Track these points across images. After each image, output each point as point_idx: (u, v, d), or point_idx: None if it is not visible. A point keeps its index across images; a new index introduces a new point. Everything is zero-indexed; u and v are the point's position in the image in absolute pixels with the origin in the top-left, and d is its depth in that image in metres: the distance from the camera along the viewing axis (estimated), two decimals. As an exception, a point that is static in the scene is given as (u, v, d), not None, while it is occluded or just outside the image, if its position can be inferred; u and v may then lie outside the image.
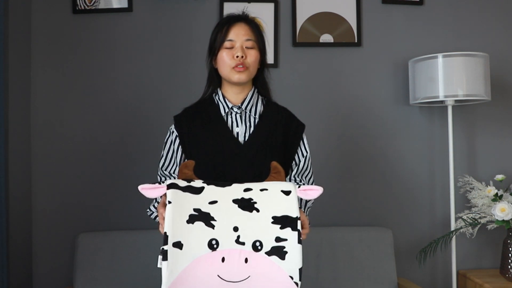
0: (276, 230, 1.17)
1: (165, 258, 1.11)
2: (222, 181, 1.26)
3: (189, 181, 1.22)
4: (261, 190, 1.22)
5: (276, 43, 2.35)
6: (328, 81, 2.39)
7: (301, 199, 1.43)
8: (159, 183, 1.21)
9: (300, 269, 1.16)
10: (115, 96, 2.30)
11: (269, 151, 1.42)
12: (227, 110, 1.46)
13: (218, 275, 1.12)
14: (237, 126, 1.45)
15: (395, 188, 2.40)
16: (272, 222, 1.17)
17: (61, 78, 2.29)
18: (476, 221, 2.10)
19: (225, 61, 1.42)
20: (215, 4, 2.34)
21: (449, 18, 2.45)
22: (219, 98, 1.48)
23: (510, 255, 2.13)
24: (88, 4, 2.29)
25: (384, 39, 2.42)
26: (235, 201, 1.19)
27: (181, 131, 1.46)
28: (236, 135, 1.44)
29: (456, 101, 2.25)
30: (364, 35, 2.42)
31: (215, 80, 1.51)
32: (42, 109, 2.27)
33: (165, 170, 1.50)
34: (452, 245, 2.22)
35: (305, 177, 1.53)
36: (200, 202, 1.17)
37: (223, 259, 1.13)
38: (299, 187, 1.24)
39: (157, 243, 2.09)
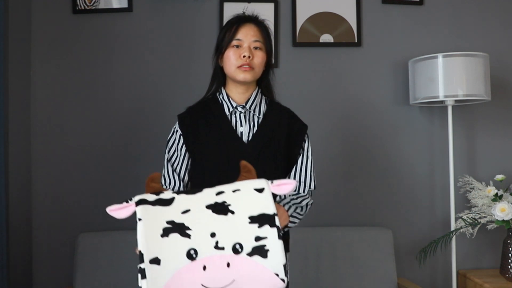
0: (255, 230, 1.14)
1: (143, 276, 1.07)
2: (193, 189, 1.23)
3: (158, 193, 1.18)
4: (234, 191, 1.18)
5: (276, 43, 2.35)
6: (328, 81, 2.39)
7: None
8: (127, 201, 1.16)
9: (285, 265, 1.13)
10: (115, 96, 2.30)
11: (272, 150, 1.43)
12: (231, 109, 1.46)
13: (202, 284, 1.09)
14: (241, 125, 1.46)
15: (395, 188, 2.40)
16: (249, 222, 1.14)
17: (61, 78, 2.29)
18: (476, 221, 2.10)
19: (232, 60, 1.43)
20: (215, 4, 2.34)
21: (449, 18, 2.45)
22: (223, 97, 1.49)
23: (510, 255, 2.13)
24: (88, 4, 2.29)
25: (384, 39, 2.42)
26: (208, 206, 1.15)
27: (185, 130, 1.47)
28: (240, 135, 1.44)
29: (456, 101, 2.25)
30: (364, 35, 2.42)
31: (220, 78, 1.52)
32: (42, 109, 2.27)
33: (172, 167, 1.49)
34: (452, 245, 2.22)
35: (305, 176, 1.50)
36: (172, 213, 1.13)
37: (204, 268, 1.09)
38: (271, 182, 1.20)
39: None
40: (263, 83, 1.53)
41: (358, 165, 2.39)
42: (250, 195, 1.18)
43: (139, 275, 1.08)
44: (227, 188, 1.19)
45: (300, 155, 1.49)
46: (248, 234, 1.13)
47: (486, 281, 2.14)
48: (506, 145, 2.45)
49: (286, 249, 1.49)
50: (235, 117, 1.47)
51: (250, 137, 1.44)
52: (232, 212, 1.15)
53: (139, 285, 1.09)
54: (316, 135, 2.31)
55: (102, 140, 2.28)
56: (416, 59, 2.24)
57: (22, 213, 2.18)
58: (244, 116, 1.47)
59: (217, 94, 1.51)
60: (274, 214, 1.15)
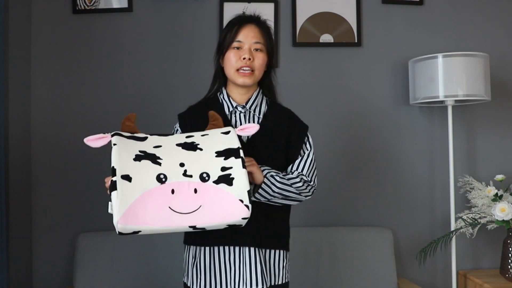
0: (221, 161, 1.21)
1: (114, 188, 1.12)
2: (165, 133, 1.31)
3: (132, 133, 1.27)
4: (202, 135, 1.28)
5: (276, 43, 2.35)
6: (328, 81, 2.39)
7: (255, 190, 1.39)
8: (103, 134, 1.25)
9: (249, 191, 1.19)
10: (115, 96, 2.30)
11: (271, 150, 1.43)
12: (231, 109, 1.47)
13: (170, 207, 1.14)
14: (241, 125, 1.45)
15: (395, 188, 2.40)
16: (216, 156, 1.22)
17: (61, 78, 2.29)
18: (476, 221, 2.10)
19: (232, 61, 1.43)
20: (215, 4, 2.34)
21: (449, 18, 2.45)
22: (223, 97, 1.49)
23: (510, 255, 2.13)
24: (88, 4, 2.29)
25: (384, 39, 2.42)
26: (178, 144, 1.23)
27: (184, 129, 1.47)
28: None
29: (456, 101, 2.25)
30: (364, 35, 2.42)
31: (221, 78, 1.52)
32: (42, 109, 2.27)
33: None
34: (452, 245, 2.22)
35: (302, 168, 1.47)
36: (145, 146, 1.21)
37: (172, 191, 1.15)
38: (236, 127, 1.31)
39: (157, 243, 2.09)
40: (265, 84, 1.53)
41: (358, 165, 2.39)
42: (217, 137, 1.28)
43: (111, 203, 1.13)
44: (196, 133, 1.30)
45: (300, 156, 1.49)
46: (214, 165, 1.21)
47: (486, 281, 2.14)
48: (506, 145, 2.45)
49: (286, 248, 1.49)
50: (235, 116, 1.47)
51: (249, 137, 1.43)
52: (201, 149, 1.23)
53: (109, 211, 1.14)
54: (316, 135, 2.30)
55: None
56: (416, 59, 2.24)
57: (22, 212, 2.18)
58: (244, 116, 1.47)
59: (218, 94, 1.52)
60: (239, 148, 1.24)
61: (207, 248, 1.41)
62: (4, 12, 2.01)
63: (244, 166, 1.21)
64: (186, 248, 1.49)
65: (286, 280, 1.48)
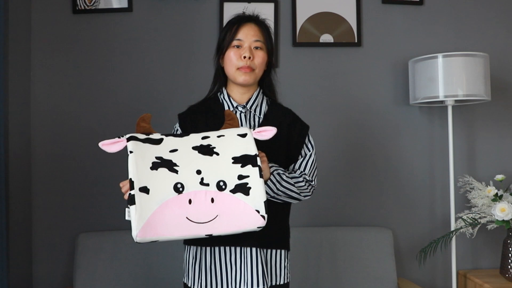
0: (238, 169, 1.21)
1: (132, 202, 1.12)
2: (180, 133, 1.29)
3: (147, 134, 1.26)
4: (218, 136, 1.26)
5: (276, 43, 2.35)
6: (328, 81, 2.39)
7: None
8: (119, 137, 1.24)
9: (265, 202, 1.20)
10: (115, 96, 2.30)
11: (272, 150, 1.43)
12: (231, 109, 1.47)
13: (187, 217, 1.15)
14: (241, 125, 1.45)
15: (395, 188, 2.40)
16: (233, 162, 1.21)
17: (61, 78, 2.29)
18: (476, 221, 2.10)
19: (232, 60, 1.43)
20: (215, 4, 2.34)
21: (449, 18, 2.45)
22: (224, 97, 1.49)
23: (510, 255, 2.13)
24: (88, 4, 2.29)
25: (384, 39, 2.42)
26: (194, 148, 1.22)
27: (185, 128, 1.47)
28: None
29: (456, 101, 2.25)
30: (364, 35, 2.42)
31: (221, 78, 1.52)
32: (42, 109, 2.27)
33: None
34: (452, 245, 2.22)
35: (304, 167, 1.48)
36: (161, 151, 1.20)
37: (190, 201, 1.15)
38: (253, 130, 1.29)
39: (157, 243, 2.09)
40: (265, 83, 1.53)
41: (358, 165, 2.39)
42: (233, 140, 1.26)
43: (128, 209, 1.13)
44: (212, 134, 1.28)
45: (302, 156, 1.49)
46: (231, 173, 1.20)
47: (486, 281, 2.14)
48: (506, 145, 2.45)
49: (286, 247, 1.49)
50: None
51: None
52: (217, 154, 1.22)
53: (127, 218, 1.14)
54: (316, 135, 2.29)
55: (102, 140, 2.27)
56: (416, 59, 2.24)
57: (22, 212, 2.18)
58: (245, 116, 1.47)
59: (218, 94, 1.52)
60: (256, 155, 1.23)
61: (208, 248, 1.41)
62: (4, 12, 2.01)
63: (261, 176, 1.21)
64: (186, 248, 1.49)
65: (287, 280, 1.48)
